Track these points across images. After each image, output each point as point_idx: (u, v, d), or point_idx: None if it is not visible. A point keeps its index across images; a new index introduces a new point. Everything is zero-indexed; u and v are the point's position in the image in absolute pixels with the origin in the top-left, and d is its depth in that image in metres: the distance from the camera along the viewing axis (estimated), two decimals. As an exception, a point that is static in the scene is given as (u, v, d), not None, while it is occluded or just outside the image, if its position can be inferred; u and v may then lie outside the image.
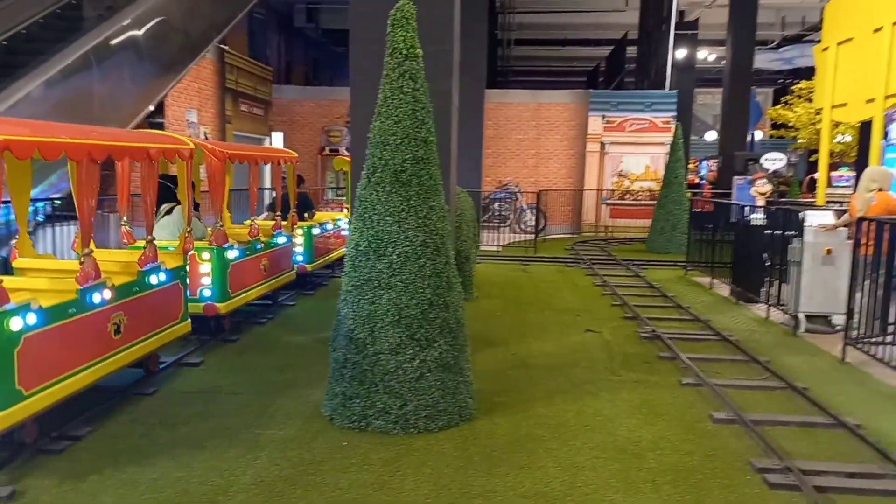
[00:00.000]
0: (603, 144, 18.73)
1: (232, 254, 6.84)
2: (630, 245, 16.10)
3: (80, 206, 4.47)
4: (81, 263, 4.50)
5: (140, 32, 10.12)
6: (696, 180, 23.75)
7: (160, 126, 12.08)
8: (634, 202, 18.64)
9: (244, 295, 7.11)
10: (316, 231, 9.51)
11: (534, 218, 16.02)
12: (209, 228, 7.09)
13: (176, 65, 11.24)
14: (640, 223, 17.38)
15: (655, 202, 15.67)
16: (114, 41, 9.63)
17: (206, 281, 6.63)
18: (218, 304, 6.64)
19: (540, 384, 5.61)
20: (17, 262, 5.14)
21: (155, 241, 5.37)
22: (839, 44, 9.50)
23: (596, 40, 27.51)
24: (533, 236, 15.07)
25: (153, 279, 5.31)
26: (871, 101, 8.48)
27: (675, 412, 5.00)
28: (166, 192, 6.61)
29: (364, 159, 4.71)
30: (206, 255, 6.63)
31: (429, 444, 4.34)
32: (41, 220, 7.73)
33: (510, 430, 4.63)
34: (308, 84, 23.98)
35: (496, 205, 18.25)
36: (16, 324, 3.79)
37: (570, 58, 31.89)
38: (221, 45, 14.28)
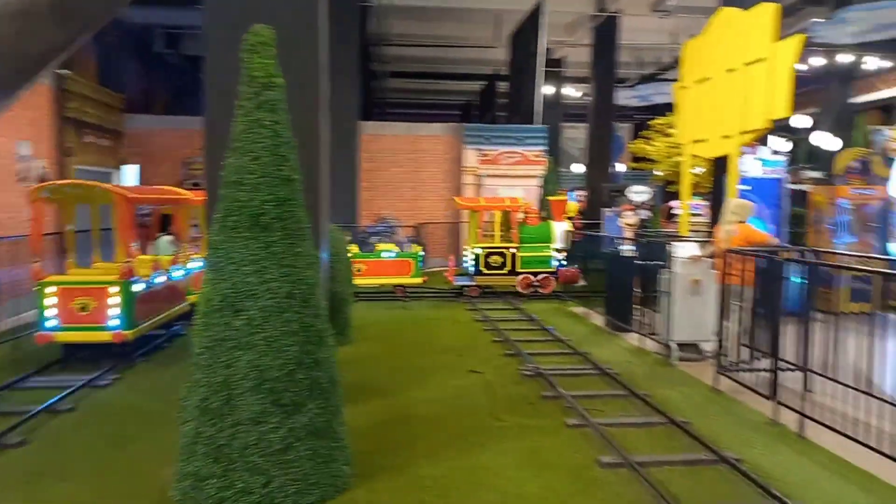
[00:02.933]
0: (479, 177, 18.93)
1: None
2: (508, 276, 16.16)
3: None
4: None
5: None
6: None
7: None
8: (511, 233, 18.90)
9: None
10: None
11: (413, 251, 15.66)
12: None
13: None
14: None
15: (531, 233, 15.88)
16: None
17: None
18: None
19: (423, 438, 5.21)
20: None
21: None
22: (696, 82, 10.04)
23: (469, 75, 28.12)
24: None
25: (176, 273, 8.80)
26: (727, 137, 8.99)
27: (561, 459, 4.79)
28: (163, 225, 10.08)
29: (218, 201, 4.15)
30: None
31: (299, 524, 3.81)
32: None
33: (393, 498, 4.19)
34: (169, 113, 22.46)
35: (374, 238, 17.79)
36: (136, 287, 7.41)
37: (446, 91, 32.40)
38: (62, 70, 12.87)
